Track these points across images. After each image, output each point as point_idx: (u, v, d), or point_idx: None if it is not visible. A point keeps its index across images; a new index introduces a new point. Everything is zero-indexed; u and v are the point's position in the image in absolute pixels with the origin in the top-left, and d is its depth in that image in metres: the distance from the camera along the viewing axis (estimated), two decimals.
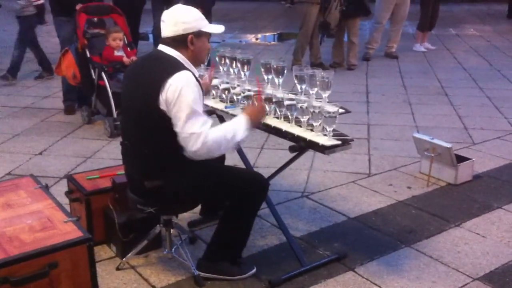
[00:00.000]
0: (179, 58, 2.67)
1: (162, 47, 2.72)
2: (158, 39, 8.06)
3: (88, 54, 5.19)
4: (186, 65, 2.66)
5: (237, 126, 2.71)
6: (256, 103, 2.93)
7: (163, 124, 2.57)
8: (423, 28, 9.65)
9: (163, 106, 2.54)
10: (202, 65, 3.42)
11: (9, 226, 2.53)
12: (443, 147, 4.09)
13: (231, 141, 2.66)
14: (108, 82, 5.05)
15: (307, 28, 7.78)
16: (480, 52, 9.53)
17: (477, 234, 3.45)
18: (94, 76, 5.20)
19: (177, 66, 2.60)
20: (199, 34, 2.69)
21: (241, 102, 3.19)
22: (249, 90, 3.14)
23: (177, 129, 2.55)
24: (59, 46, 5.88)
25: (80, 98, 5.73)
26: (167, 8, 2.76)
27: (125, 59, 5.08)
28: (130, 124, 2.74)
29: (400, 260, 3.15)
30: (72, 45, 5.32)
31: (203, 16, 2.73)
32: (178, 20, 2.66)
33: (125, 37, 5.26)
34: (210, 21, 2.84)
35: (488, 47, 10.11)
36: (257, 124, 2.87)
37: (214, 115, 3.33)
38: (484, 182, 4.24)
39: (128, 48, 5.32)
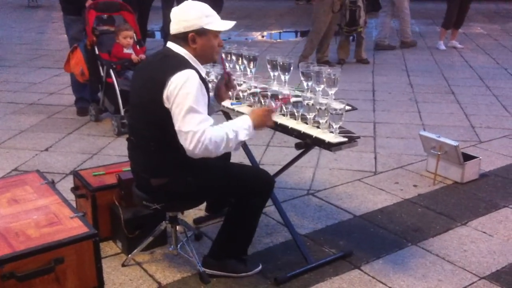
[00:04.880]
0: (186, 56, 2.65)
1: (170, 44, 2.71)
2: (167, 36, 8.14)
3: (96, 51, 5.18)
4: (192, 63, 2.64)
5: (240, 126, 2.66)
6: (264, 107, 2.87)
7: (167, 122, 2.56)
8: (447, 26, 9.56)
9: (166, 104, 2.54)
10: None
11: (16, 221, 2.54)
12: (450, 145, 4.07)
13: (233, 141, 2.60)
14: (116, 80, 5.04)
15: (319, 26, 7.76)
16: (487, 51, 9.48)
17: (484, 233, 3.44)
18: (102, 73, 5.20)
19: (183, 65, 2.58)
20: (202, 32, 2.64)
21: (247, 99, 3.18)
22: (255, 87, 3.13)
23: (176, 127, 2.52)
24: (67, 43, 5.89)
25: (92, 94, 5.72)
26: (177, 5, 2.73)
27: (134, 56, 5.06)
28: (136, 120, 2.74)
29: (406, 258, 3.14)
30: (81, 42, 5.31)
31: (209, 13, 2.65)
32: (179, 18, 2.64)
33: (134, 35, 5.25)
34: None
35: (496, 45, 10.06)
36: (261, 127, 2.79)
37: (220, 112, 3.33)
38: (490, 180, 4.22)
39: (138, 46, 5.32)
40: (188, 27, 2.62)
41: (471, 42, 10.35)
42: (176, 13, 2.66)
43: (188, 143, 2.49)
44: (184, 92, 2.49)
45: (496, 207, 3.78)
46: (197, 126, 2.49)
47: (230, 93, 3.08)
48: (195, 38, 2.63)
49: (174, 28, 2.66)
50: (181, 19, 2.64)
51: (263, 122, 2.76)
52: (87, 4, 5.25)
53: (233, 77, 3.05)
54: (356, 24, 7.96)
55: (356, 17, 7.89)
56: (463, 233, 3.43)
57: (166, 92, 2.51)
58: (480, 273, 3.00)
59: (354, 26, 7.99)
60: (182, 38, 2.65)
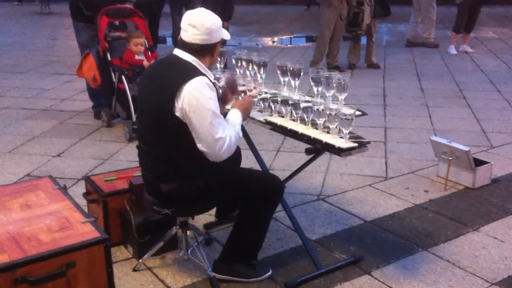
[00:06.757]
0: (194, 63, 2.67)
1: (178, 52, 2.70)
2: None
3: (108, 57, 5.22)
4: (202, 70, 2.66)
5: (238, 121, 2.81)
6: (245, 98, 3.04)
7: (177, 129, 2.58)
8: (458, 30, 9.55)
9: (178, 113, 2.55)
10: (218, 67, 3.48)
11: (28, 226, 2.56)
12: (461, 151, 4.05)
13: (239, 136, 2.77)
14: (128, 86, 5.07)
15: (324, 32, 7.78)
16: (498, 55, 9.43)
17: (495, 238, 3.41)
18: (114, 79, 5.24)
19: (192, 72, 2.60)
20: (216, 44, 2.73)
21: (257, 104, 3.19)
22: (265, 93, 3.14)
23: (202, 135, 2.57)
24: (77, 49, 5.94)
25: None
26: (186, 11, 2.74)
27: (145, 62, 5.09)
28: (145, 127, 2.76)
29: (416, 264, 3.13)
30: (93, 48, 5.35)
31: (220, 23, 2.73)
32: (212, 29, 2.64)
33: (146, 41, 5.29)
34: (227, 28, 2.86)
35: (507, 49, 10.00)
36: (247, 117, 2.98)
37: None
38: (502, 186, 4.19)
39: (149, 52, 5.35)
40: (217, 37, 2.69)
41: (482, 46, 10.30)
42: (205, 23, 2.63)
43: (219, 149, 2.60)
44: (204, 102, 2.54)
45: (508, 213, 3.75)
46: (224, 132, 2.61)
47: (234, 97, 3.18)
48: (212, 51, 2.71)
49: (203, 39, 2.64)
50: (214, 30, 2.65)
51: (248, 113, 2.97)
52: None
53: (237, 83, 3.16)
54: (357, 26, 7.87)
55: (358, 19, 7.84)
56: (474, 239, 3.41)
57: (180, 101, 2.53)
58: (491, 279, 2.98)
59: (355, 27, 7.91)
60: (208, 49, 2.68)
